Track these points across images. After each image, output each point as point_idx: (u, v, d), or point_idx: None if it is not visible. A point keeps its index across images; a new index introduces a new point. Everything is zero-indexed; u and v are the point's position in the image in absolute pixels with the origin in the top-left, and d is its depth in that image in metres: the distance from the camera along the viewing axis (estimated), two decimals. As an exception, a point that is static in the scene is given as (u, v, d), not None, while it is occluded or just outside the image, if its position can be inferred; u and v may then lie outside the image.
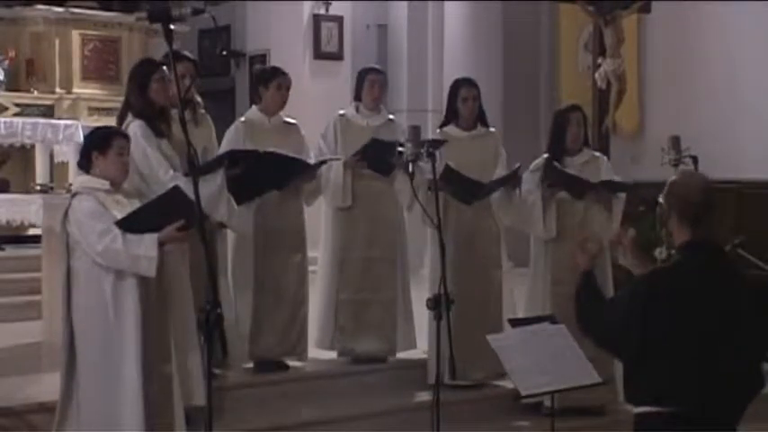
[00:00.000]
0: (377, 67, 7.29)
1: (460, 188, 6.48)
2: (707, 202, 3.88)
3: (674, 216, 3.86)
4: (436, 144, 6.34)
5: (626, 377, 3.87)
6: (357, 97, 6.88)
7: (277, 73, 6.61)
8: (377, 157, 6.50)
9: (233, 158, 5.88)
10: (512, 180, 6.50)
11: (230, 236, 6.32)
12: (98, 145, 4.91)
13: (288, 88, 6.55)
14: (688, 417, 3.71)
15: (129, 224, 4.73)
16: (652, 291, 3.74)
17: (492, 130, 6.86)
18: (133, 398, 4.75)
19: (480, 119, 6.79)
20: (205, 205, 4.32)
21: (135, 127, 5.43)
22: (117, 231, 4.70)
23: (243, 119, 6.59)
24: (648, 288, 3.76)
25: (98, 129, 5.19)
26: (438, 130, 6.88)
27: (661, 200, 3.94)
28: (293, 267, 6.51)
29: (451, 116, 6.77)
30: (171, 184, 5.00)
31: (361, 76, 6.92)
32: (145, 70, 5.57)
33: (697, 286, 3.76)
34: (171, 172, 5.41)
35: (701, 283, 3.76)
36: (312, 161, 6.52)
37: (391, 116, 7.05)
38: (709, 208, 3.87)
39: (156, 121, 5.51)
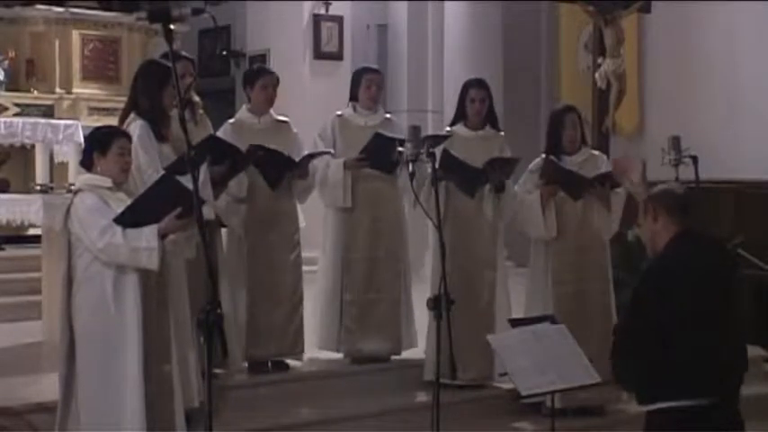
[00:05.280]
0: (373, 66, 7.27)
1: (461, 177, 6.48)
2: (689, 195, 4.07)
3: (663, 213, 3.96)
4: (437, 141, 6.35)
5: (641, 376, 3.89)
6: (353, 97, 6.86)
7: (262, 72, 6.63)
8: (380, 152, 6.49)
9: (216, 149, 5.87)
10: (510, 164, 6.51)
11: (223, 236, 6.31)
12: (98, 145, 4.91)
13: (275, 87, 6.53)
14: (704, 408, 3.75)
15: (127, 219, 4.70)
16: (663, 283, 3.80)
17: (501, 133, 6.83)
18: (134, 397, 4.74)
19: (490, 121, 6.78)
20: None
21: (136, 127, 5.40)
22: (118, 228, 4.68)
23: (232, 120, 6.58)
24: (658, 281, 3.82)
25: (99, 128, 5.15)
26: (447, 129, 6.88)
27: (641, 215, 4.06)
28: (288, 266, 6.50)
29: (460, 116, 6.76)
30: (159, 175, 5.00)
31: (358, 75, 6.89)
32: (162, 73, 5.46)
33: (703, 271, 3.83)
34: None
35: (706, 268, 3.84)
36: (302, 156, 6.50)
37: (388, 115, 7.05)
38: (691, 200, 4.01)
39: (160, 125, 5.49)
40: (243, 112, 6.60)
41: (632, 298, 3.91)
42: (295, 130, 6.66)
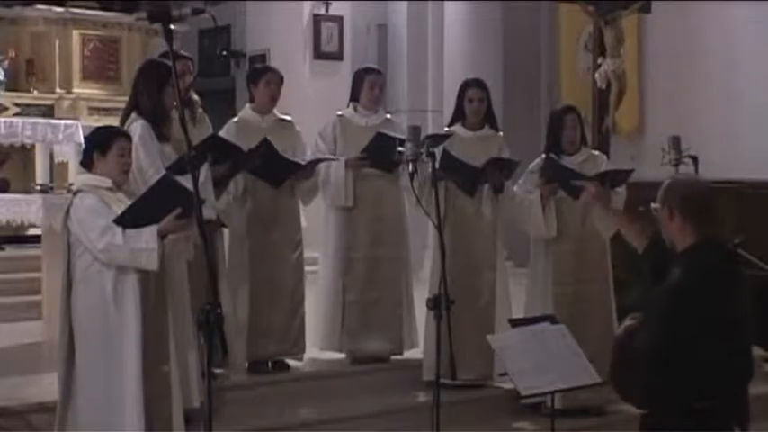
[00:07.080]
0: (375, 67, 7.25)
1: (461, 176, 6.48)
2: (710, 199, 3.91)
3: (678, 215, 3.84)
4: (437, 141, 6.34)
5: (647, 382, 3.85)
6: (354, 98, 6.86)
7: (266, 70, 6.65)
8: (382, 151, 6.48)
9: (217, 149, 5.87)
10: (510, 165, 6.51)
11: (226, 236, 6.31)
12: (98, 146, 4.91)
13: (278, 84, 6.54)
14: (705, 408, 3.74)
15: (127, 220, 4.70)
16: (691, 302, 3.74)
17: (500, 134, 6.82)
18: (133, 397, 4.74)
19: (489, 121, 6.77)
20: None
21: (137, 126, 5.40)
22: (118, 228, 4.68)
23: (236, 119, 6.57)
24: (687, 300, 3.76)
25: (99, 129, 5.15)
26: (446, 129, 6.87)
27: (658, 203, 3.94)
28: (290, 266, 6.50)
29: (458, 116, 6.75)
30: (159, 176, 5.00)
31: (360, 76, 6.88)
32: (163, 72, 5.46)
33: (730, 287, 3.80)
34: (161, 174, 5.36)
35: (722, 280, 3.80)
36: (308, 159, 6.51)
37: (388, 115, 7.04)
38: (711, 204, 3.89)
39: (161, 125, 5.48)
40: (246, 111, 6.59)
41: (656, 315, 3.81)
42: (298, 129, 6.66)
